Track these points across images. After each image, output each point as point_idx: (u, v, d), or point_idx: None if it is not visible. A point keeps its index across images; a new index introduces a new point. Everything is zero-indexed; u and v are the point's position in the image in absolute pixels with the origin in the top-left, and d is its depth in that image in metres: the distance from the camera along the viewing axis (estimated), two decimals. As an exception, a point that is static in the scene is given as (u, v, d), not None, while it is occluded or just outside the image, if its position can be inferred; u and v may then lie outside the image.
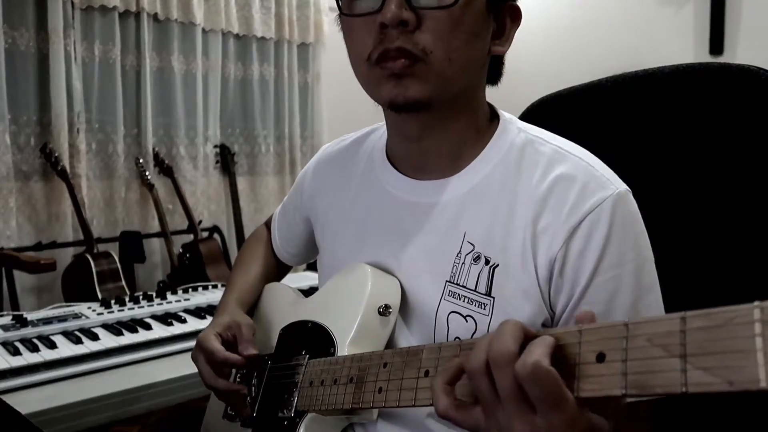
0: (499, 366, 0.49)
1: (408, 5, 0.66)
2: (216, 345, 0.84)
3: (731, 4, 2.32)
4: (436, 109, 0.72)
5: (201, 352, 0.86)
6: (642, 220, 0.71)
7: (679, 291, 0.78)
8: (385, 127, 0.84)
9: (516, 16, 0.76)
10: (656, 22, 2.50)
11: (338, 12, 0.75)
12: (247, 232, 2.92)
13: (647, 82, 0.89)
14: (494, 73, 0.80)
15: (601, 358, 0.45)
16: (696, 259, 0.83)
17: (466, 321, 0.72)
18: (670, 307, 0.70)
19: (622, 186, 0.70)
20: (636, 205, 0.71)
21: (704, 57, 2.37)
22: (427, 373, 0.60)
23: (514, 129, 0.77)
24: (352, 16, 0.72)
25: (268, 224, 1.10)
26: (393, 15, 0.66)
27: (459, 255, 0.73)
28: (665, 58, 0.93)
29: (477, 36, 0.71)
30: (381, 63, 0.69)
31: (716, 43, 2.34)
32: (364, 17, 0.70)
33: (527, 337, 0.50)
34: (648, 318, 0.44)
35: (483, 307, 0.71)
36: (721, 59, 2.27)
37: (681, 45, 2.45)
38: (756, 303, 0.37)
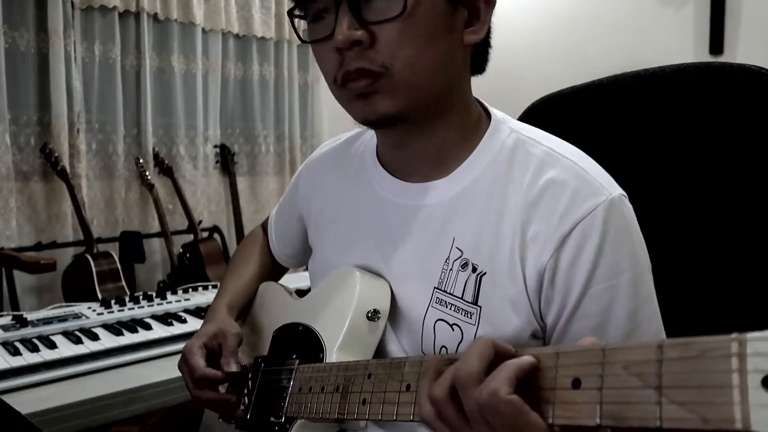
0: (462, 387, 0.48)
1: (359, 23, 0.65)
2: (197, 361, 0.83)
3: (731, 4, 2.32)
4: (413, 117, 0.70)
5: (185, 364, 0.85)
6: (638, 227, 0.68)
7: (678, 296, 0.78)
8: None
9: None
10: (656, 22, 2.50)
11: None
12: (247, 232, 2.92)
13: (648, 81, 0.89)
14: (479, 61, 0.76)
15: (576, 384, 0.43)
16: (695, 260, 0.83)
17: (453, 330, 0.69)
18: (668, 315, 0.69)
19: (617, 191, 0.66)
20: (632, 211, 0.68)
21: (704, 57, 2.36)
22: (408, 387, 0.58)
23: (505, 129, 0.74)
24: (312, 43, 0.71)
25: (264, 226, 1.08)
26: (344, 38, 0.65)
27: (447, 261, 0.71)
28: (665, 58, 0.93)
29: (437, 36, 0.67)
30: (346, 85, 0.68)
31: (716, 43, 2.34)
32: (322, 42, 0.69)
33: (499, 355, 0.48)
34: (625, 343, 0.42)
35: (469, 316, 0.68)
36: (721, 59, 2.27)
37: (681, 45, 2.45)
38: (734, 335, 0.35)
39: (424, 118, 0.71)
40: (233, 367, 0.82)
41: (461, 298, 0.69)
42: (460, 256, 0.70)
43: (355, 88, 0.68)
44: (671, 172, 0.85)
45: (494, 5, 0.71)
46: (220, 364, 0.84)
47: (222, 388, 0.87)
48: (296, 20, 0.73)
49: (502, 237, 0.68)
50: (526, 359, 0.47)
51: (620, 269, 0.65)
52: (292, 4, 0.73)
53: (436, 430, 0.52)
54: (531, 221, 0.67)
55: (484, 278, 0.68)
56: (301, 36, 0.73)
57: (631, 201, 0.69)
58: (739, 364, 0.34)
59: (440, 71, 0.69)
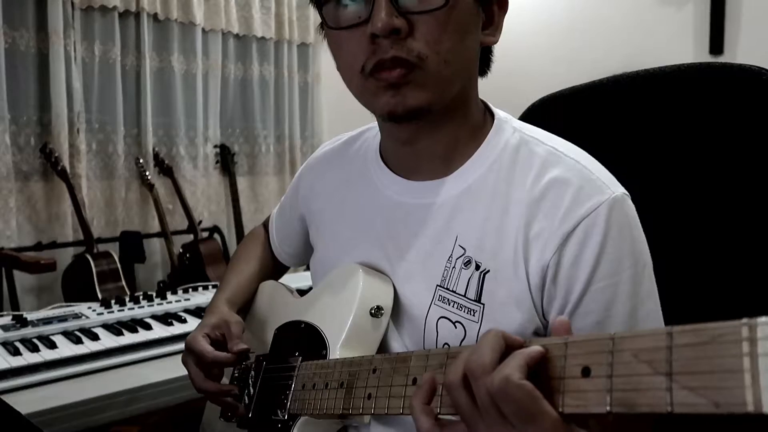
0: (474, 377, 0.48)
1: (397, 12, 0.64)
2: (205, 346, 0.83)
3: (731, 4, 2.32)
4: (435, 112, 0.70)
5: (190, 355, 0.85)
6: (640, 225, 0.68)
7: (680, 296, 0.78)
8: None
9: (503, 2, 0.74)
10: (656, 22, 2.50)
11: (321, 26, 0.73)
12: (247, 232, 2.92)
13: (648, 82, 0.89)
14: (483, 65, 0.77)
15: (586, 372, 0.44)
16: (696, 260, 0.83)
17: (455, 327, 0.70)
18: (670, 313, 0.69)
19: (619, 190, 0.67)
20: (634, 210, 0.68)
21: (704, 57, 2.37)
22: (415, 381, 0.58)
23: (509, 128, 0.75)
24: (339, 29, 0.69)
25: (265, 225, 1.09)
26: (384, 24, 0.63)
27: (450, 259, 0.71)
28: (665, 58, 0.93)
29: (468, 32, 0.69)
30: (376, 74, 0.66)
31: (716, 43, 2.34)
32: (351, 29, 0.67)
33: (510, 347, 0.48)
34: (635, 332, 0.42)
35: (472, 313, 0.69)
36: (721, 59, 2.27)
37: (681, 45, 2.45)
38: (744, 320, 0.35)
39: (442, 115, 0.71)
40: (241, 346, 0.83)
41: (464, 296, 0.70)
42: (463, 254, 0.71)
43: (386, 78, 0.66)
44: (671, 171, 0.85)
45: (506, 11, 0.74)
46: (227, 350, 0.84)
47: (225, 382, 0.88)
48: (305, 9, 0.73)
49: (505, 235, 0.69)
50: (536, 348, 0.47)
51: (622, 267, 0.65)
52: None
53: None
54: (534, 219, 0.67)
55: (487, 276, 0.69)
56: (330, 22, 0.70)
57: (632, 200, 0.69)
58: (750, 348, 0.35)
59: (467, 67, 0.71)
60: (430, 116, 0.70)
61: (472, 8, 0.69)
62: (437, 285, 0.72)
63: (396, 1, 0.64)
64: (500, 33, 0.74)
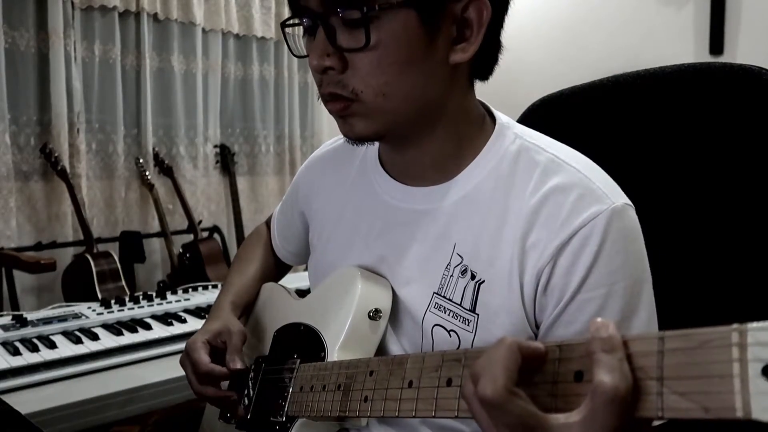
0: (491, 406, 0.43)
1: (333, 47, 0.65)
2: (201, 356, 0.83)
3: (731, 4, 2.32)
4: (393, 135, 0.70)
5: (187, 359, 0.85)
6: (641, 238, 0.66)
7: (679, 297, 0.78)
8: None
9: (481, 20, 0.67)
10: (656, 23, 2.50)
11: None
12: (247, 232, 2.92)
13: (648, 82, 0.89)
14: (482, 70, 0.74)
15: (579, 376, 0.44)
16: (696, 261, 0.83)
17: (450, 336, 0.69)
18: (669, 318, 0.68)
19: (621, 200, 0.65)
20: (635, 221, 0.66)
21: (704, 57, 2.36)
22: (411, 384, 0.58)
23: (510, 135, 0.73)
24: (299, 57, 0.73)
25: (268, 223, 1.08)
26: (316, 65, 0.66)
27: (448, 267, 0.71)
28: (665, 58, 0.93)
29: (412, 62, 0.65)
30: (325, 103, 0.70)
31: (716, 43, 2.34)
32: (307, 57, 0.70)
33: (528, 359, 0.45)
34: (626, 336, 0.42)
35: (467, 323, 0.68)
36: (721, 59, 2.27)
37: (681, 45, 2.45)
38: (734, 326, 0.35)
39: (408, 134, 0.71)
40: (238, 365, 0.83)
41: (460, 305, 0.69)
42: (460, 263, 0.70)
43: (331, 109, 0.69)
44: (671, 172, 0.85)
45: (486, 23, 0.67)
46: (224, 361, 0.84)
47: (223, 386, 0.88)
48: (288, 33, 0.73)
49: (502, 244, 0.68)
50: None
51: (612, 280, 0.63)
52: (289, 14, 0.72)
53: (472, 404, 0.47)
54: (532, 229, 0.66)
55: (482, 286, 0.68)
56: (294, 51, 0.73)
57: (630, 201, 0.68)
58: (740, 353, 0.35)
59: (416, 94, 0.68)
60: (398, 136, 0.71)
61: (415, 37, 0.64)
62: (434, 292, 0.71)
63: (333, 37, 0.65)
64: (475, 48, 0.68)
